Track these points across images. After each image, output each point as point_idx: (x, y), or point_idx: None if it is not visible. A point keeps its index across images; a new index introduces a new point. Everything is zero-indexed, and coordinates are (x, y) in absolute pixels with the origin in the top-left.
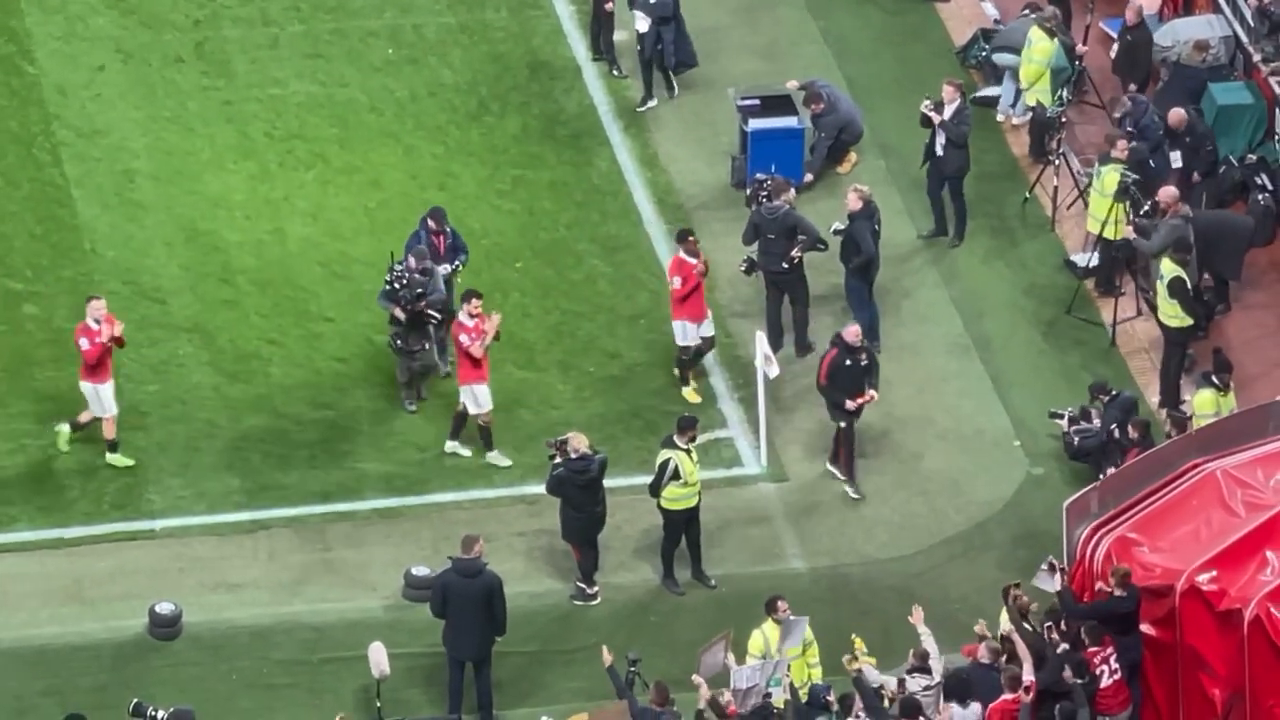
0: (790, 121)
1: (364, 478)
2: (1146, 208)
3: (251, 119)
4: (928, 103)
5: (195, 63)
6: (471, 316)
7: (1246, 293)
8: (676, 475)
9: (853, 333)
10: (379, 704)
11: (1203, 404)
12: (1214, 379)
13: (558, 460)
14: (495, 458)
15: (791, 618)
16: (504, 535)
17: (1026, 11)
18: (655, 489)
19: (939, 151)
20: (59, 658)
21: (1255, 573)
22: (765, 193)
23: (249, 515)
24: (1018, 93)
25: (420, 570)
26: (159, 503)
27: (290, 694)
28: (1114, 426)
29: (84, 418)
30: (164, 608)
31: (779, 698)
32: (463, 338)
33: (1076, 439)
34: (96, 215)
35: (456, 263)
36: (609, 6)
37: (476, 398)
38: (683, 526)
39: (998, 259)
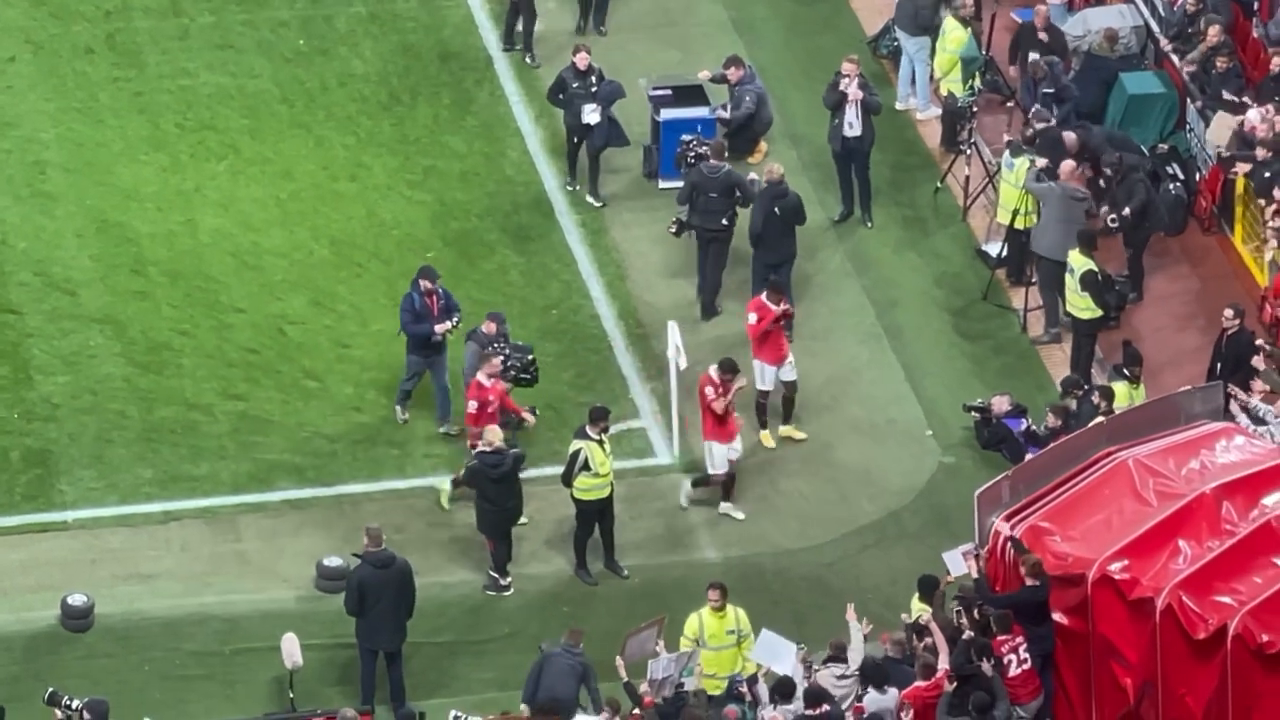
0: (702, 111)
1: (275, 469)
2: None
3: (163, 110)
4: (845, 80)
5: (106, 54)
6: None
7: (1157, 282)
8: (587, 466)
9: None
10: (291, 695)
11: (1116, 398)
12: (1125, 371)
13: (479, 450)
14: (728, 509)
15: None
16: (416, 526)
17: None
18: (566, 479)
19: (855, 130)
20: None
21: (1167, 561)
22: (694, 154)
23: (161, 506)
24: (913, 81)
25: (332, 561)
26: (70, 494)
27: (203, 685)
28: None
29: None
30: (76, 599)
31: (692, 688)
32: (708, 390)
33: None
34: (7, 207)
35: (455, 320)
36: None
37: (713, 456)
38: (595, 517)
39: (909, 249)
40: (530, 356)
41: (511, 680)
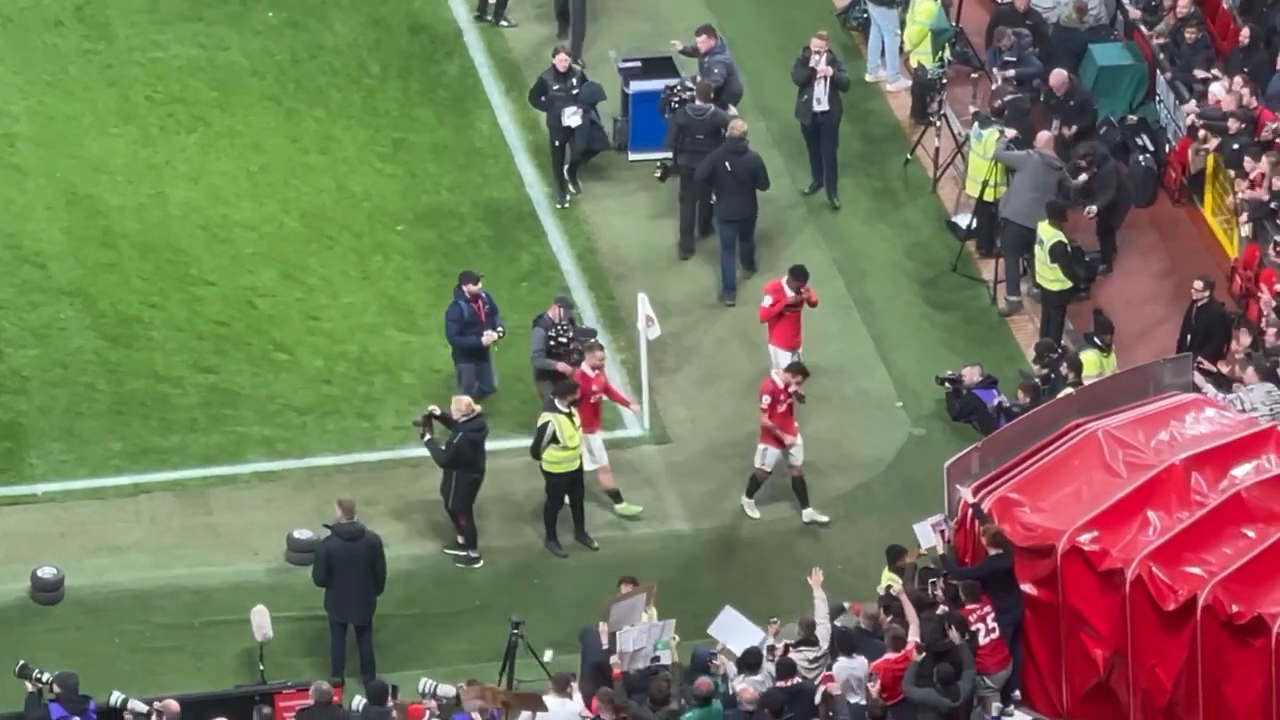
0: (671, 83)
1: (245, 441)
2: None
3: (132, 83)
4: (815, 56)
5: (76, 26)
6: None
7: (1126, 254)
8: (556, 439)
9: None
10: (261, 667)
11: (1086, 365)
12: (1096, 340)
13: (460, 420)
14: (812, 515)
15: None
16: (386, 498)
17: None
18: (535, 451)
19: (824, 106)
20: None
21: (1137, 533)
22: (677, 99)
23: (130, 479)
24: (883, 53)
25: (302, 534)
26: (40, 467)
27: (173, 657)
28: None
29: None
30: (46, 572)
31: (667, 660)
32: (765, 397)
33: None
34: None
35: (501, 330)
36: None
37: (765, 455)
38: (565, 489)
39: (880, 220)
40: (593, 339)
41: (482, 652)
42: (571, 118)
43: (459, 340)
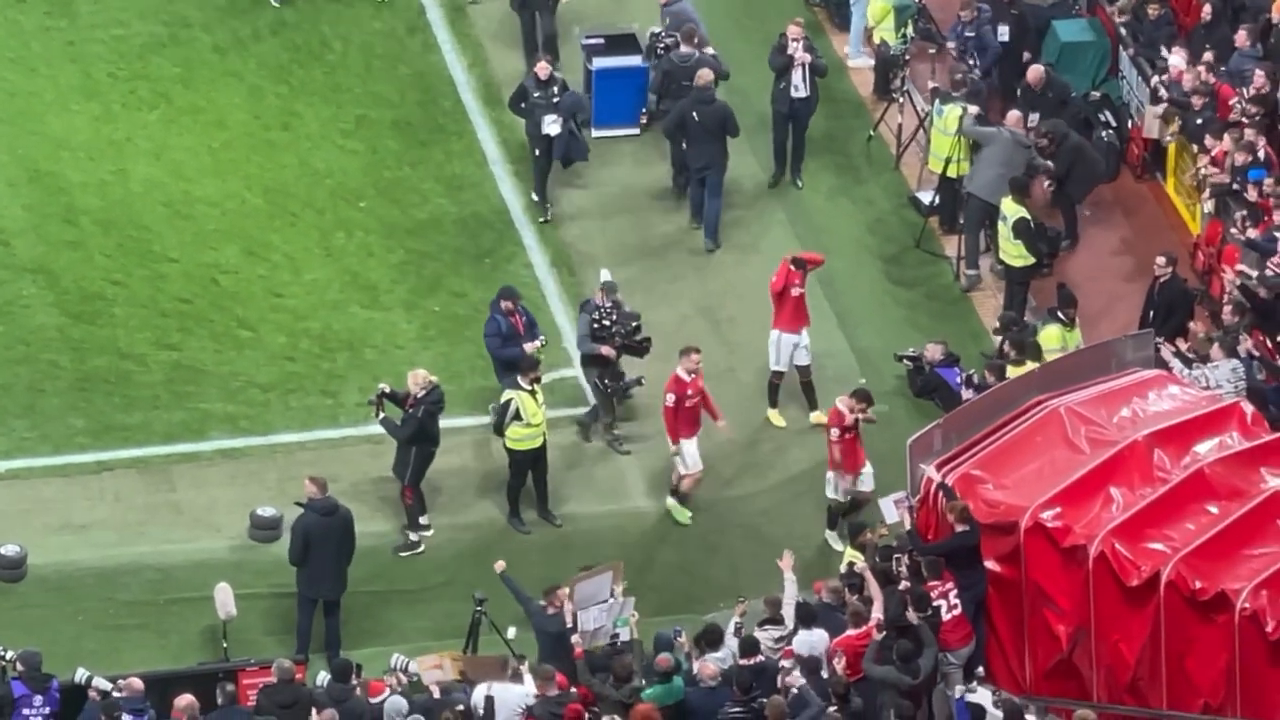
0: (634, 60)
1: (208, 418)
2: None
3: (95, 59)
4: (793, 44)
5: (38, 2)
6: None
7: (1089, 230)
8: (519, 416)
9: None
10: (225, 645)
11: (1049, 339)
12: (1059, 314)
13: (419, 394)
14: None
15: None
16: (349, 476)
17: None
18: (498, 428)
19: (802, 93)
20: None
21: (1100, 509)
22: (663, 45)
23: (94, 456)
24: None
25: (266, 511)
26: (3, 444)
27: (137, 635)
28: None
29: (686, 485)
30: (9, 549)
31: (626, 637)
32: (834, 431)
33: None
34: None
35: (541, 339)
36: None
37: (834, 486)
38: (528, 466)
39: (842, 196)
40: (636, 324)
41: (446, 628)
42: (551, 126)
43: (502, 353)
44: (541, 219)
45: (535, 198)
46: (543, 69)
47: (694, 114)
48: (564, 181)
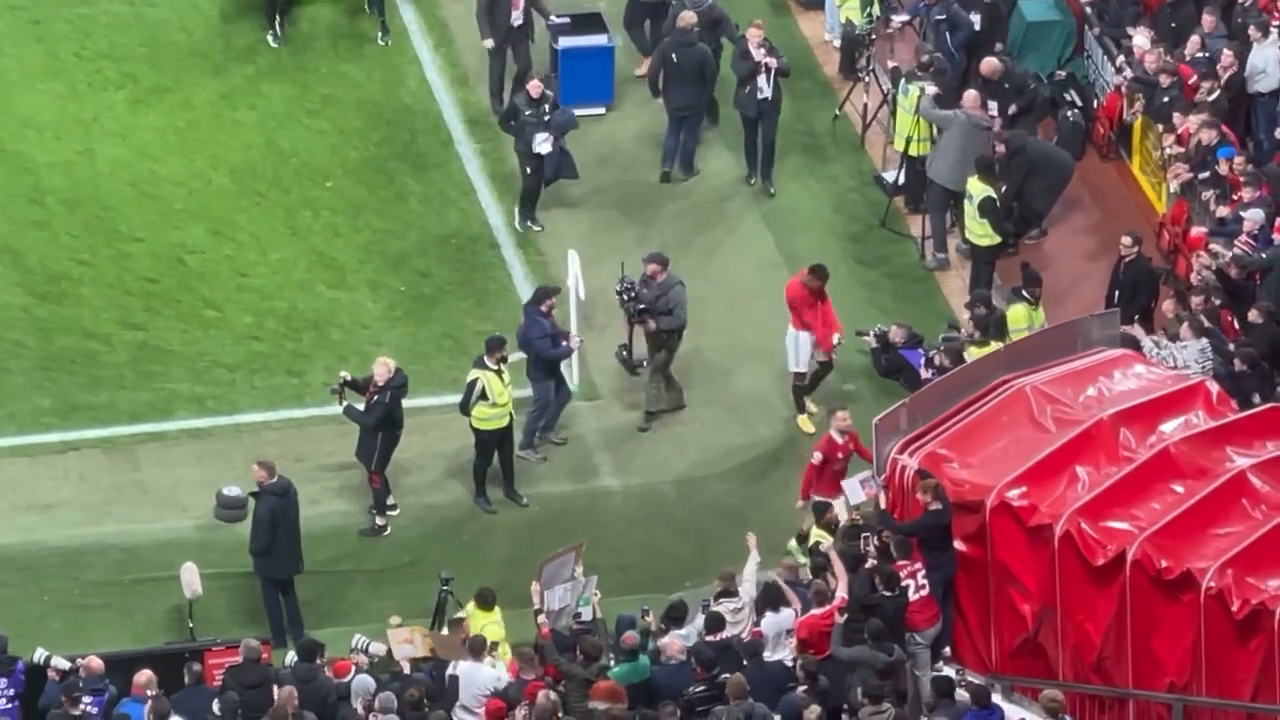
0: (600, 39)
1: (174, 398)
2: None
3: (60, 39)
4: (756, 49)
5: None
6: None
7: (1055, 209)
8: (485, 395)
9: None
10: (191, 624)
11: (1015, 319)
12: (1024, 293)
13: (384, 381)
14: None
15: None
16: (315, 455)
17: None
18: (464, 407)
19: (767, 94)
20: None
21: (1065, 488)
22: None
23: (59, 436)
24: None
25: (231, 490)
26: None
27: (102, 615)
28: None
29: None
30: None
31: (588, 616)
32: (817, 455)
33: None
34: None
35: (578, 337)
36: None
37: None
38: (495, 445)
39: (808, 175)
40: (630, 279)
41: (411, 608)
42: (542, 144)
43: (554, 354)
44: (525, 228)
45: (521, 217)
46: (535, 87)
47: (673, 55)
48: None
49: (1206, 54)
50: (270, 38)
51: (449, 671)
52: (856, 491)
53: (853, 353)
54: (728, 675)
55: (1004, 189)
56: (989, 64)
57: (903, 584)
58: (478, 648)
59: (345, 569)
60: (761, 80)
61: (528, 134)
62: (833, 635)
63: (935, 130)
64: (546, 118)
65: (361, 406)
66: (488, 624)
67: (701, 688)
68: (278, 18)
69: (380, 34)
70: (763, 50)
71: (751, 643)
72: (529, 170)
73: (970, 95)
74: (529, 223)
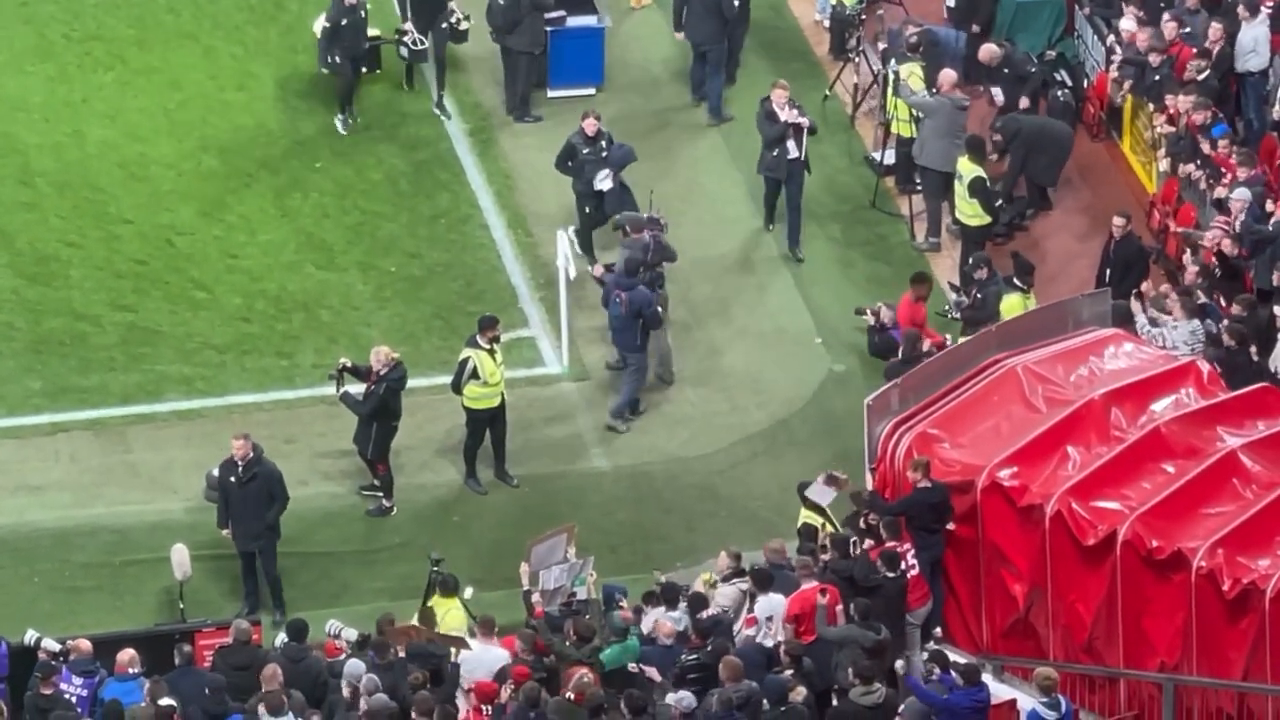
0: (590, 21)
1: (164, 380)
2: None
3: (49, 21)
4: (783, 109)
5: None
6: None
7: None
8: (476, 375)
9: None
10: (182, 605)
11: (1010, 308)
12: (1017, 282)
13: (381, 370)
14: None
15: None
16: (305, 436)
17: None
18: (455, 386)
19: (795, 153)
20: None
21: (1056, 468)
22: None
23: (49, 418)
24: None
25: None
26: None
27: (92, 596)
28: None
29: None
30: None
31: (583, 596)
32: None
33: None
34: None
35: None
36: None
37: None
38: (486, 425)
39: None
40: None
41: (402, 590)
42: (603, 181)
43: (659, 322)
44: (589, 265)
45: (579, 252)
46: (590, 125)
47: None
48: (520, 139)
49: (1187, 29)
50: (339, 122)
51: (454, 660)
52: (824, 494)
53: (844, 333)
54: (721, 642)
55: (1005, 174)
56: (987, 50)
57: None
58: (488, 627)
59: (334, 550)
60: (790, 143)
61: (587, 172)
62: (817, 617)
63: (912, 111)
64: (604, 154)
65: (361, 391)
66: (450, 609)
67: (695, 656)
68: (350, 105)
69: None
70: (795, 111)
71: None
72: (588, 209)
73: (948, 76)
74: (590, 258)
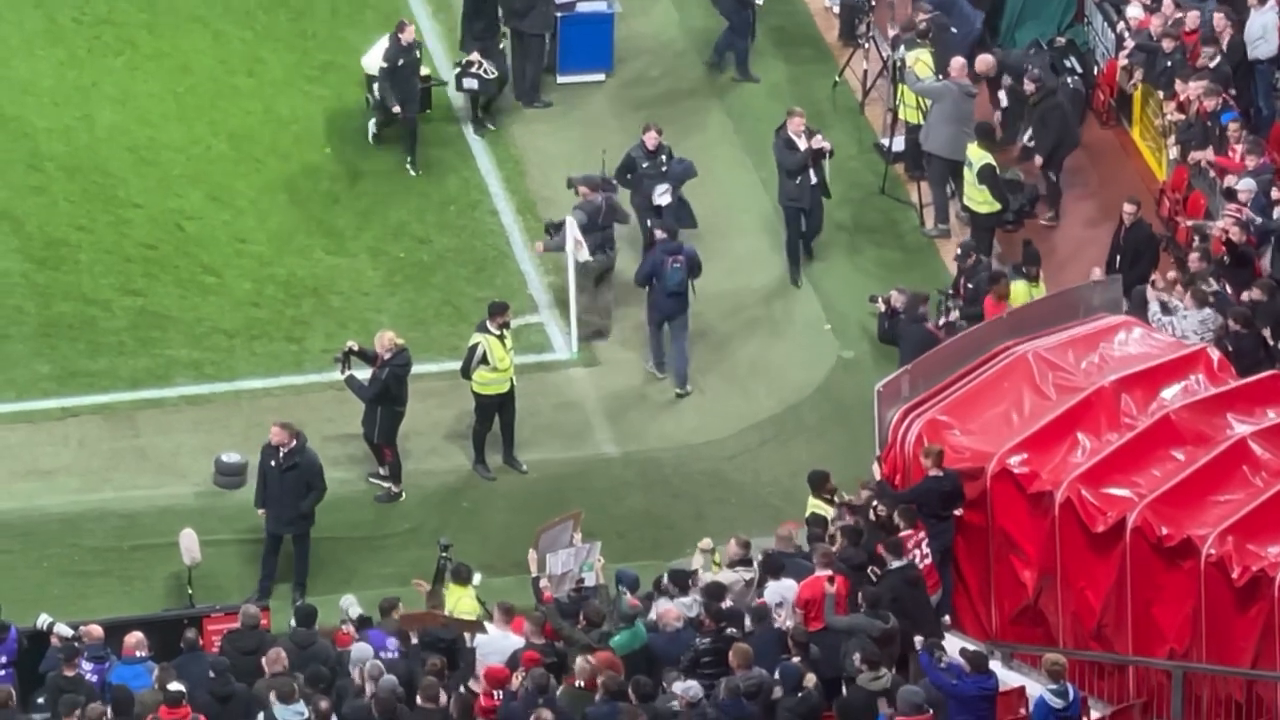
0: (600, 6)
1: (173, 364)
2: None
3: (59, 5)
4: (803, 138)
5: None
6: None
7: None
8: (486, 360)
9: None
10: (190, 590)
11: (1016, 296)
12: (1023, 270)
13: (385, 354)
14: None
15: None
16: (314, 421)
17: None
18: (465, 371)
19: (816, 179)
20: None
21: (1066, 455)
22: None
23: (58, 402)
24: None
25: (230, 457)
26: None
27: (102, 581)
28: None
29: None
30: None
31: (591, 582)
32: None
33: None
34: None
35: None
36: None
37: None
38: (495, 410)
39: None
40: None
41: (411, 575)
42: (663, 196)
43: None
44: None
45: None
46: (650, 139)
47: None
48: (530, 125)
49: (1194, 12)
50: (409, 165)
51: (469, 644)
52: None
53: (853, 320)
54: (734, 630)
55: (1030, 134)
56: (983, 61)
57: (909, 555)
58: (506, 612)
59: (343, 535)
60: (811, 171)
61: (646, 186)
62: (825, 605)
63: (918, 97)
64: (664, 168)
65: (368, 376)
66: (463, 598)
67: (708, 640)
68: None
69: None
70: (818, 137)
71: (759, 608)
72: (649, 222)
73: (958, 62)
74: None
